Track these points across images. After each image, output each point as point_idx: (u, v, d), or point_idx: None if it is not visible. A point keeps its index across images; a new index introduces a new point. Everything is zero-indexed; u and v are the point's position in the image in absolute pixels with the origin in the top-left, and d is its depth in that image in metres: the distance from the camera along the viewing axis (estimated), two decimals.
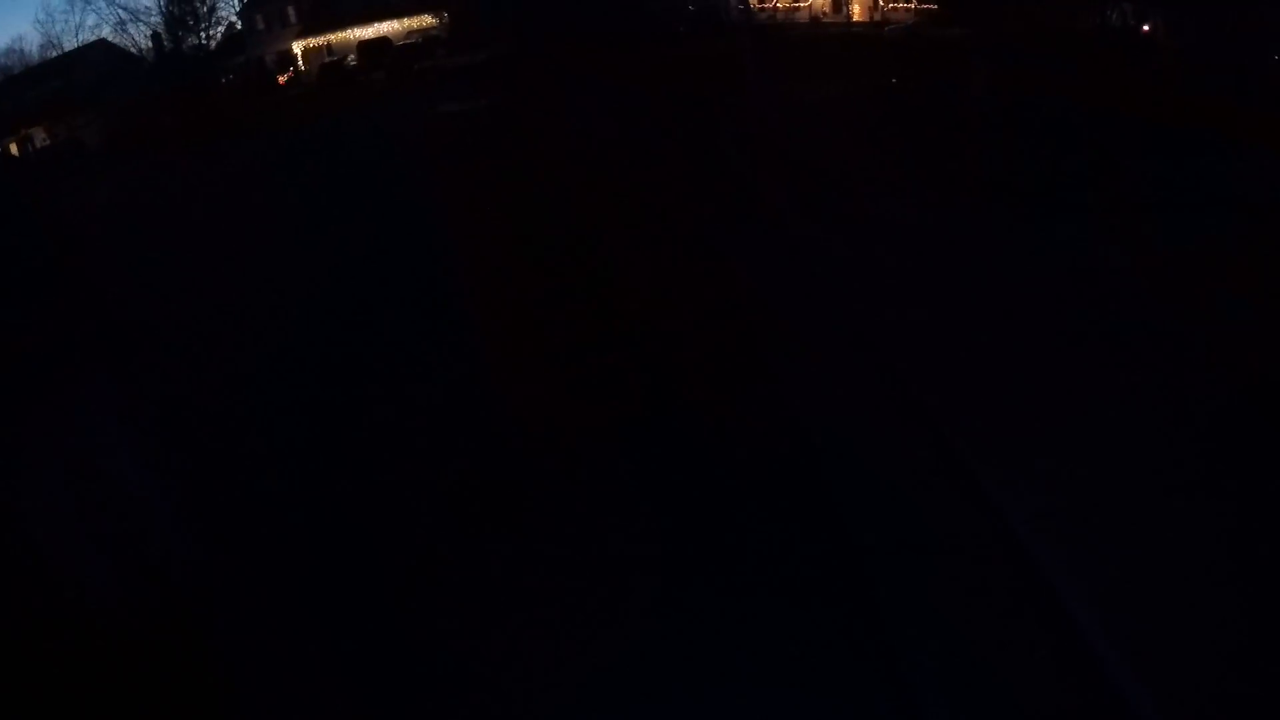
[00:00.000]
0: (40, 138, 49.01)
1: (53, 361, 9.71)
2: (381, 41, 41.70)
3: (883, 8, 40.95)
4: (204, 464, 7.04)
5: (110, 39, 52.38)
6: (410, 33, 42.51)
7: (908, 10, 40.63)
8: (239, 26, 51.12)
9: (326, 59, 43.65)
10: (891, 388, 7.36)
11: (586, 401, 7.23)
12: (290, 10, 47.03)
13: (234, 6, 51.80)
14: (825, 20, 39.29)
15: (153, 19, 52.29)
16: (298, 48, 45.77)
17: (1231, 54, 32.04)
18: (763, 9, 39.18)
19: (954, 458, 6.19)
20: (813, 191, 13.50)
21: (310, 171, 21.55)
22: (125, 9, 60.83)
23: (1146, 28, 42.75)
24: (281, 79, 44.80)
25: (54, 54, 54.96)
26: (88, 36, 53.50)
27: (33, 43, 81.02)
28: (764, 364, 7.78)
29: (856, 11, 40.61)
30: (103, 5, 64.88)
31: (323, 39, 44.84)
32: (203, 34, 53.88)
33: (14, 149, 52.21)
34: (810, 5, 40.42)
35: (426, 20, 42.77)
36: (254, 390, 8.39)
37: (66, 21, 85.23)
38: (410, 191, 16.61)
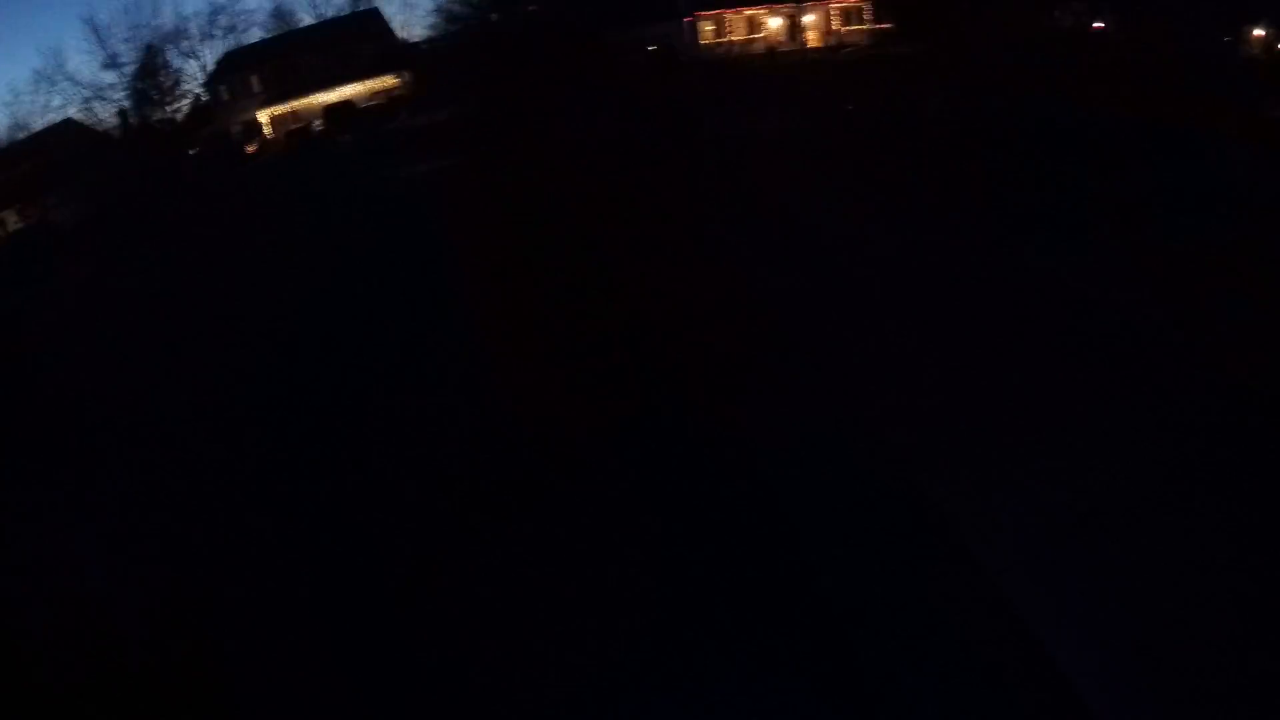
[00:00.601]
0: (13, 221, 48.94)
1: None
2: (346, 105, 41.90)
3: (838, 31, 41.61)
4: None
5: (77, 118, 52.62)
6: (374, 94, 42.76)
7: (862, 32, 41.31)
8: (205, 98, 51.46)
9: (293, 125, 43.79)
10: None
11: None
12: (254, 80, 47.29)
13: (199, 79, 52.01)
14: (782, 49, 39.84)
15: (118, 96, 52.62)
16: (264, 116, 45.96)
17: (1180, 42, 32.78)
18: (719, 43, 39.68)
19: None
20: (771, 235, 13.58)
21: (285, 243, 21.51)
22: (90, 87, 60.98)
23: (1099, 24, 43.59)
24: (250, 148, 44.88)
25: (22, 135, 55.13)
26: (55, 116, 53.68)
27: (0, 125, 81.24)
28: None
29: (811, 38, 41.21)
30: (68, 85, 65.28)
31: (288, 106, 45.03)
32: (169, 107, 54.19)
33: None
34: (766, 35, 41.00)
35: (389, 81, 43.06)
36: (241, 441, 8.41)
37: (33, 102, 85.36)
38: (385, 259, 16.62)
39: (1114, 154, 17.09)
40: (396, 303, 12.88)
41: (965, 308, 9.99)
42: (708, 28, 39.57)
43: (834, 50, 39.20)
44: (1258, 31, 41.39)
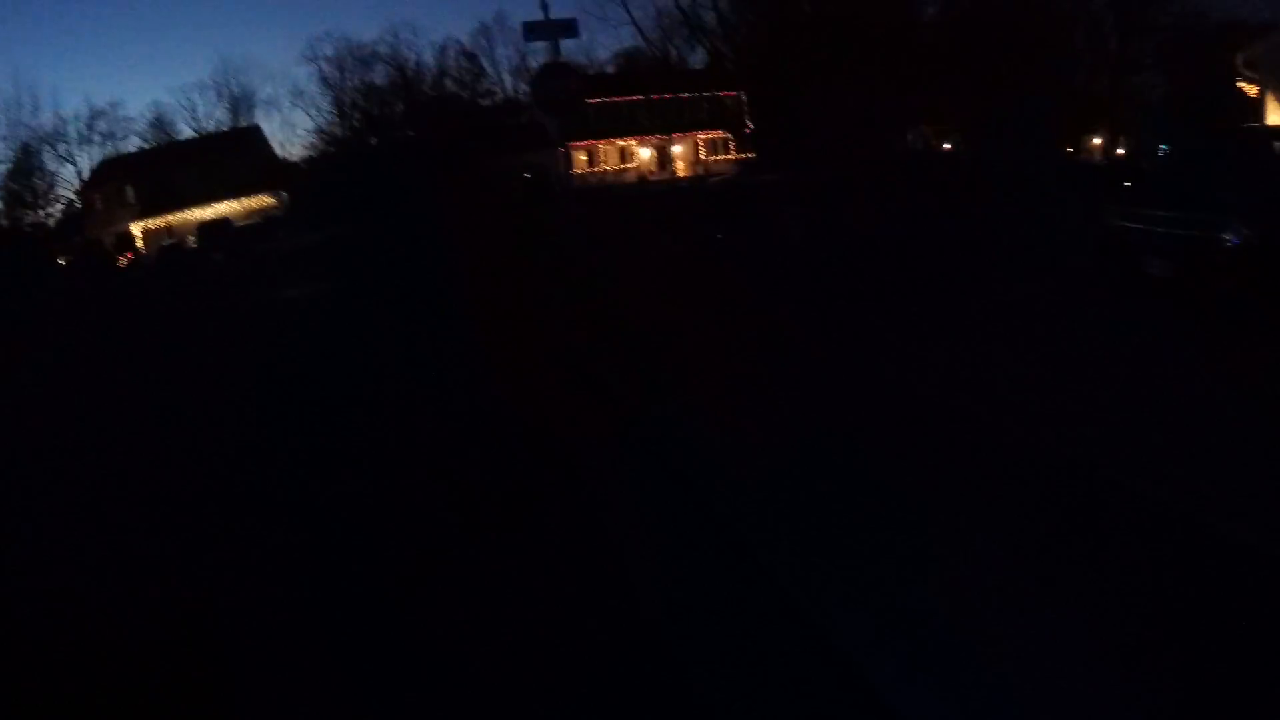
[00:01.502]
0: None
1: None
2: (222, 222, 41.63)
3: (705, 160, 44.21)
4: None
5: None
6: (251, 213, 42.78)
7: (728, 162, 44.01)
8: (78, 205, 50.45)
9: (166, 240, 43.19)
10: None
11: None
12: (129, 190, 46.69)
13: (74, 185, 51.03)
14: (652, 178, 41.99)
15: None
16: (137, 228, 45.25)
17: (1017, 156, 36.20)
18: (592, 171, 41.56)
19: None
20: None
21: (148, 359, 21.21)
22: None
23: (947, 146, 47.66)
24: (121, 261, 43.98)
25: None
26: None
27: None
28: None
29: (680, 167, 43.68)
30: None
31: (162, 220, 44.53)
32: (41, 211, 52.85)
33: None
34: (637, 165, 43.19)
35: (266, 200, 43.20)
36: None
37: None
38: (251, 387, 16.55)
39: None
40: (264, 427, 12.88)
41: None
42: (581, 157, 41.43)
43: (702, 179, 41.47)
44: (1096, 140, 46.21)
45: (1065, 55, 42.92)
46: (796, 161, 39.25)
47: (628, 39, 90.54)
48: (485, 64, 53.35)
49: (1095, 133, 46.73)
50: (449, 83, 44.23)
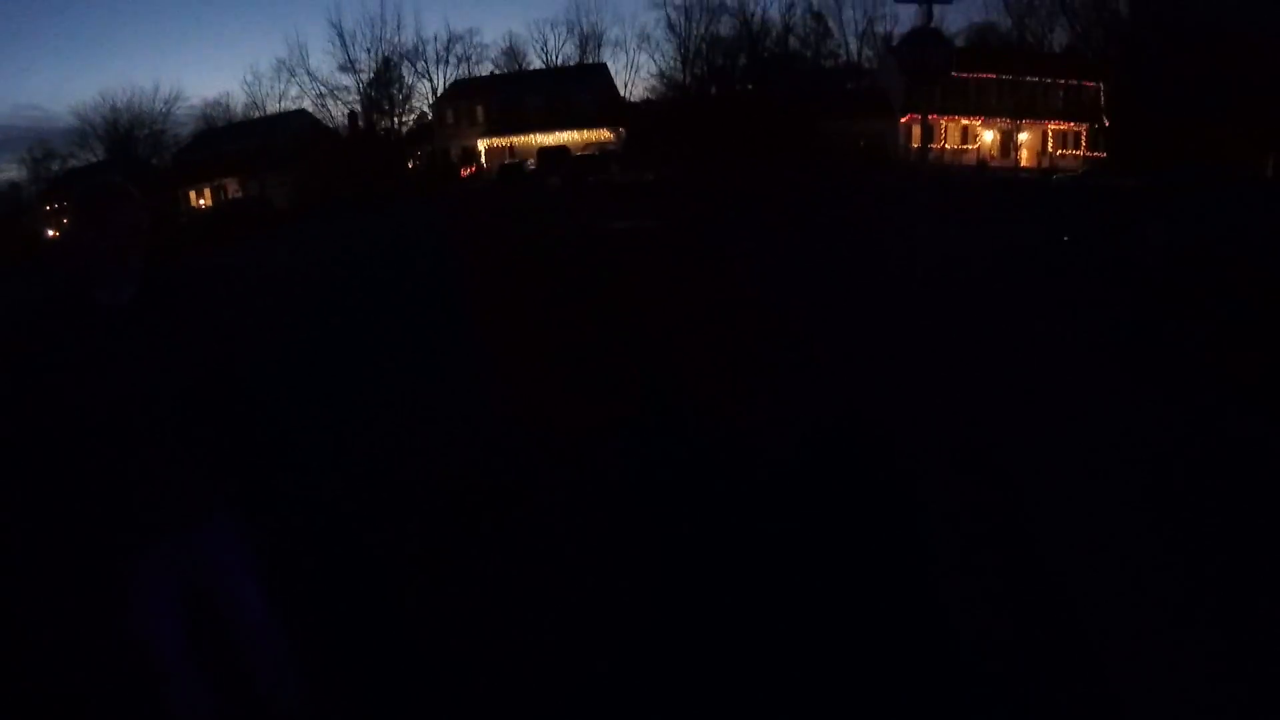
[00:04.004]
0: (233, 189, 54.95)
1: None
2: (560, 150, 44.57)
3: (1051, 154, 41.26)
4: None
5: (309, 110, 58.70)
6: (588, 144, 45.51)
7: (1076, 157, 40.84)
8: (429, 117, 56.38)
9: (507, 159, 47.11)
10: None
11: None
12: (479, 110, 51.36)
13: (427, 99, 56.92)
14: (993, 164, 39.83)
15: (350, 98, 58.49)
16: (482, 145, 49.74)
17: None
18: (930, 147, 40.13)
19: None
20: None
21: (471, 265, 23.32)
22: (326, 85, 67.50)
23: None
24: (464, 172, 48.64)
25: (256, 115, 61.85)
26: (289, 104, 60.06)
27: (238, 101, 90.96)
28: None
29: (1024, 157, 41.03)
30: (306, 79, 72.69)
31: (506, 140, 48.62)
32: (395, 119, 59.65)
33: (208, 196, 58.65)
34: (978, 149, 41.09)
35: (604, 134, 45.77)
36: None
37: (271, 88, 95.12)
38: (567, 292, 17.81)
39: None
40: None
41: None
42: (921, 131, 40.22)
43: (1046, 173, 38.88)
44: None
45: None
46: (1156, 170, 35.66)
47: (978, 11, 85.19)
48: (832, 25, 53.04)
49: None
50: (793, 40, 44.57)
